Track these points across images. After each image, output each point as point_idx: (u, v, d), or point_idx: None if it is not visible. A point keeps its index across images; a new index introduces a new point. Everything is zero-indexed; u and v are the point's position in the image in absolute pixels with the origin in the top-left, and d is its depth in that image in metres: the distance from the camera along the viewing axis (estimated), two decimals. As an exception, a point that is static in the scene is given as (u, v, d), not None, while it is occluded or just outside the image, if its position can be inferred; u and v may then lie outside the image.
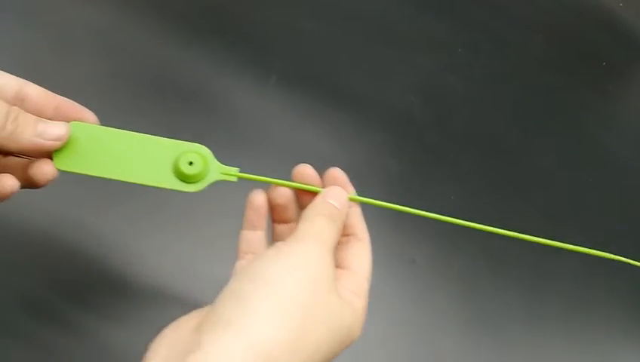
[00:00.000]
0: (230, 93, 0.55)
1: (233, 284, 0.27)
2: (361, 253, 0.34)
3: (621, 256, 0.56)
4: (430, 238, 0.52)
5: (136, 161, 0.34)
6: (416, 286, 0.49)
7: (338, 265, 0.32)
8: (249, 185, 0.34)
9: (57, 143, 0.32)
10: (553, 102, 0.65)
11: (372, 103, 0.58)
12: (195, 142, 0.34)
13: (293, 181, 0.34)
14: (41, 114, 0.33)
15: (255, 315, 0.25)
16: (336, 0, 0.65)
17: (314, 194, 0.34)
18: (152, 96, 0.53)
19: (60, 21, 0.54)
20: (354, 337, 0.30)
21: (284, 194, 0.34)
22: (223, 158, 0.34)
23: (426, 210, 0.53)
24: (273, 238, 0.36)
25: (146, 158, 0.34)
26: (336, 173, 0.35)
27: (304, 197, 0.35)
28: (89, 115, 0.35)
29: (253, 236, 0.35)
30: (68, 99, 0.34)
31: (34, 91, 0.33)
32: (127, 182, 0.33)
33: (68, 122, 0.33)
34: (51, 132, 0.32)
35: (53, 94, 0.34)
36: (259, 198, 0.35)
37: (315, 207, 0.32)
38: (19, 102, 0.33)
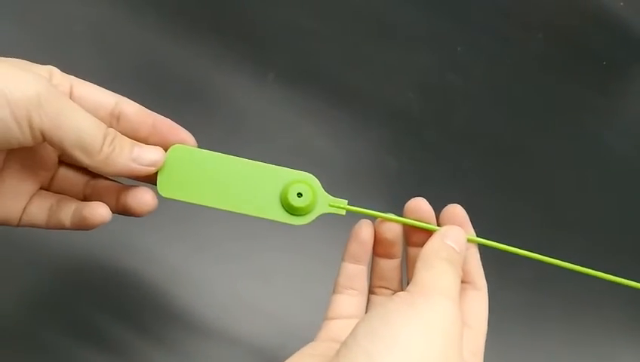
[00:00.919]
0: (228, 89, 0.55)
1: (364, 342, 0.24)
2: (479, 306, 0.32)
3: (622, 256, 0.56)
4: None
5: (242, 188, 0.32)
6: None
7: None
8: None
9: (152, 169, 0.31)
10: (553, 100, 0.65)
11: (371, 101, 0.58)
12: (270, 164, 0.32)
13: (406, 216, 0.33)
14: (136, 133, 0.32)
15: None
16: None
17: (427, 232, 0.32)
18: (149, 93, 0.52)
19: (55, 17, 0.54)
20: None
21: (393, 229, 0.33)
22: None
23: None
24: (374, 274, 0.34)
25: (252, 186, 0.32)
26: (457, 210, 0.33)
27: (415, 234, 0.33)
28: (187, 136, 0.33)
29: (355, 270, 0.33)
30: (164, 118, 0.33)
31: (130, 109, 0.32)
32: (232, 212, 0.32)
33: (165, 146, 0.32)
34: (146, 157, 0.30)
35: (149, 112, 0.33)
36: (366, 231, 0.33)
37: (434, 249, 0.29)
38: (114, 120, 0.32)
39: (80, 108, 0.28)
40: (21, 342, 0.41)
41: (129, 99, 0.32)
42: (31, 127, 0.27)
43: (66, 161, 0.33)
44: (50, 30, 0.53)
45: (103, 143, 0.29)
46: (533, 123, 0.62)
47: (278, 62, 0.57)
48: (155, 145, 0.31)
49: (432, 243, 0.30)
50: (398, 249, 0.34)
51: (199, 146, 0.33)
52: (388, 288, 0.35)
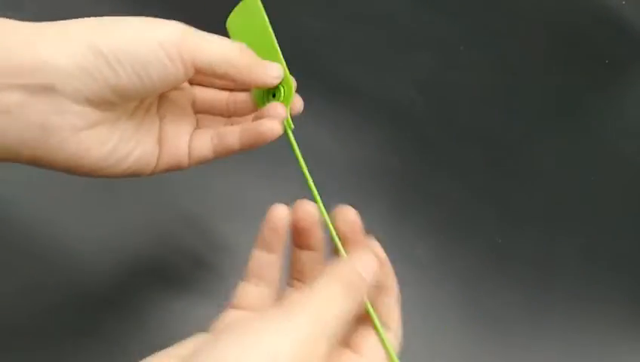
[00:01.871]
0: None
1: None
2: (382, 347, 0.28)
3: (622, 253, 0.56)
4: (432, 236, 0.51)
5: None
6: (418, 283, 0.49)
7: (348, 344, 0.28)
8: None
9: (277, 81, 0.34)
10: (555, 99, 0.65)
11: (373, 99, 0.58)
12: None
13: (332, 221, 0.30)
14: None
15: None
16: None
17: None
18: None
19: (57, 11, 0.54)
20: None
21: (309, 217, 0.30)
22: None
23: (425, 210, 0.53)
24: (293, 266, 0.31)
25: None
26: (349, 215, 0.30)
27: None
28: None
29: (265, 259, 0.30)
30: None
31: None
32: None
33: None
34: (274, 70, 0.34)
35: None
36: (279, 217, 0.30)
37: (337, 271, 0.26)
38: None
39: (214, 35, 0.32)
40: (24, 341, 0.41)
41: None
42: (183, 61, 0.30)
43: (208, 84, 0.36)
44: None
45: (241, 52, 0.32)
46: (535, 121, 0.62)
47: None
48: None
49: (339, 265, 0.26)
50: (318, 240, 0.30)
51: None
52: (305, 282, 0.31)
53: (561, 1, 0.73)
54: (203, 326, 0.28)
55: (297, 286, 0.31)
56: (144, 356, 0.24)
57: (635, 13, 0.74)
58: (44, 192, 0.44)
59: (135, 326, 0.42)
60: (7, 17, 0.29)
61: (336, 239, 0.29)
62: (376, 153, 0.55)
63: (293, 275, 0.31)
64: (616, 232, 0.57)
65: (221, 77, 0.32)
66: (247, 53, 0.33)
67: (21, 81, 0.27)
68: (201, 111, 0.36)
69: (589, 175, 0.60)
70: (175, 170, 0.34)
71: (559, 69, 0.67)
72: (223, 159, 0.35)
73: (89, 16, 0.31)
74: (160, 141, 0.34)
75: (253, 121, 0.34)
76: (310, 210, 0.30)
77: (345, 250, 0.29)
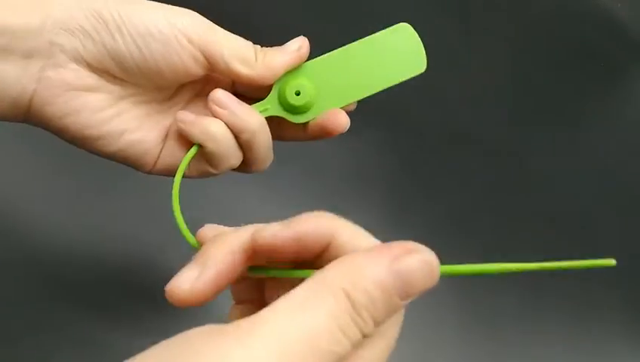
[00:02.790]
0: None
1: None
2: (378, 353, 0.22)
3: (620, 257, 0.55)
4: (428, 239, 0.51)
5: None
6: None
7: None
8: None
9: (303, 51, 0.33)
10: (553, 102, 0.65)
11: (369, 101, 0.58)
12: None
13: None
14: None
15: None
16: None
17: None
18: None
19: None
20: None
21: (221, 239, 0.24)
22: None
23: (424, 210, 0.53)
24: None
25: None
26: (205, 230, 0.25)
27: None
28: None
29: (244, 284, 0.26)
30: None
31: None
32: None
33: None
34: (291, 46, 0.33)
35: None
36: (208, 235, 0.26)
37: (349, 274, 0.20)
38: None
39: (228, 32, 0.31)
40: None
41: None
42: (191, 42, 0.30)
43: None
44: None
45: (256, 52, 0.32)
46: (532, 124, 0.63)
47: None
48: None
49: (355, 264, 0.20)
50: (284, 254, 0.23)
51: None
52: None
53: (558, 3, 0.73)
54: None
55: None
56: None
57: (632, 15, 0.74)
58: (39, 194, 0.44)
59: (130, 332, 0.41)
60: None
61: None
62: (374, 155, 0.55)
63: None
64: (614, 236, 0.57)
65: (234, 77, 0.32)
66: (261, 50, 0.32)
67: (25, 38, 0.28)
68: None
69: (586, 178, 0.60)
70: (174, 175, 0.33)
71: (557, 71, 0.67)
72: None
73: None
74: (167, 138, 0.33)
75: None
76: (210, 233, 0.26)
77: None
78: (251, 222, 0.32)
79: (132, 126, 0.32)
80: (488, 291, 0.50)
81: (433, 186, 0.55)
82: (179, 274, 0.22)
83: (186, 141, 0.33)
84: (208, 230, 0.26)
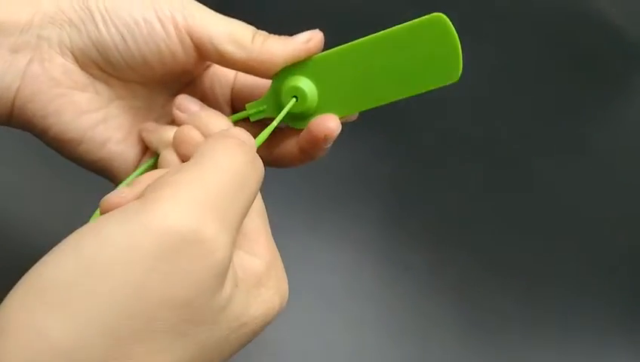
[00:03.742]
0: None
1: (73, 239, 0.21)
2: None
3: (619, 264, 0.55)
4: (427, 245, 0.51)
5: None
6: (412, 293, 0.48)
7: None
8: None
9: (311, 44, 0.29)
10: (551, 106, 0.65)
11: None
12: None
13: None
14: None
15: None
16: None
17: None
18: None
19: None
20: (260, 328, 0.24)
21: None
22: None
23: (423, 211, 0.53)
24: None
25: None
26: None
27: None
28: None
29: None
30: None
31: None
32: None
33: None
34: (301, 37, 0.29)
35: None
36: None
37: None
38: None
39: (222, 15, 0.29)
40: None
41: None
42: (176, 27, 0.28)
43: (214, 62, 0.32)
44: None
45: (255, 34, 0.28)
46: (530, 128, 0.62)
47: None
48: None
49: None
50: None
51: None
52: None
53: (557, 9, 0.73)
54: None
55: None
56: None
57: (630, 21, 0.74)
58: (37, 199, 0.44)
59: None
60: None
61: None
62: (371, 160, 0.55)
63: None
64: (612, 244, 0.57)
65: (228, 61, 0.29)
66: (262, 33, 0.29)
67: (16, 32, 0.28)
68: None
69: (586, 186, 0.60)
70: None
71: (555, 76, 0.67)
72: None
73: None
74: (145, 155, 0.32)
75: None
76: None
77: None
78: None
79: (117, 136, 0.31)
80: (486, 299, 0.50)
81: (431, 187, 0.54)
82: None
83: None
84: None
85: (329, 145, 0.31)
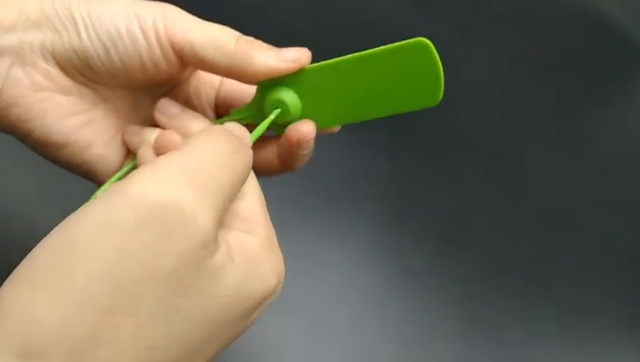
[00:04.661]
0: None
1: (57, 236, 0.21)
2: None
3: (620, 263, 0.55)
4: (428, 244, 0.51)
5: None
6: (414, 292, 0.48)
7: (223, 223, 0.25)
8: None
9: (295, 65, 0.28)
10: (552, 108, 0.65)
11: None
12: None
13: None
14: None
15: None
16: (330, 1, 0.64)
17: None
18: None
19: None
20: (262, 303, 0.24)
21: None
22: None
23: (423, 211, 0.53)
24: None
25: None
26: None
27: None
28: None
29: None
30: None
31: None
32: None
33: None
34: (289, 54, 0.28)
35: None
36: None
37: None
38: None
39: (203, 21, 0.28)
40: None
41: None
42: (157, 34, 0.27)
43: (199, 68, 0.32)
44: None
45: (238, 39, 0.28)
46: (532, 129, 0.62)
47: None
48: None
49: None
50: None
51: None
52: None
53: (558, 9, 0.73)
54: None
55: None
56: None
57: (632, 22, 0.74)
58: (35, 200, 0.44)
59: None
60: None
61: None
62: (372, 159, 0.55)
63: None
64: (613, 243, 0.57)
65: (208, 67, 0.28)
66: (247, 39, 0.28)
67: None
68: None
69: (587, 186, 0.60)
70: None
71: (557, 77, 0.67)
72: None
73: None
74: (127, 158, 0.31)
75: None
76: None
77: None
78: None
79: (101, 139, 0.30)
80: (488, 298, 0.50)
81: (431, 188, 0.54)
82: None
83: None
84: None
85: (306, 153, 0.30)
